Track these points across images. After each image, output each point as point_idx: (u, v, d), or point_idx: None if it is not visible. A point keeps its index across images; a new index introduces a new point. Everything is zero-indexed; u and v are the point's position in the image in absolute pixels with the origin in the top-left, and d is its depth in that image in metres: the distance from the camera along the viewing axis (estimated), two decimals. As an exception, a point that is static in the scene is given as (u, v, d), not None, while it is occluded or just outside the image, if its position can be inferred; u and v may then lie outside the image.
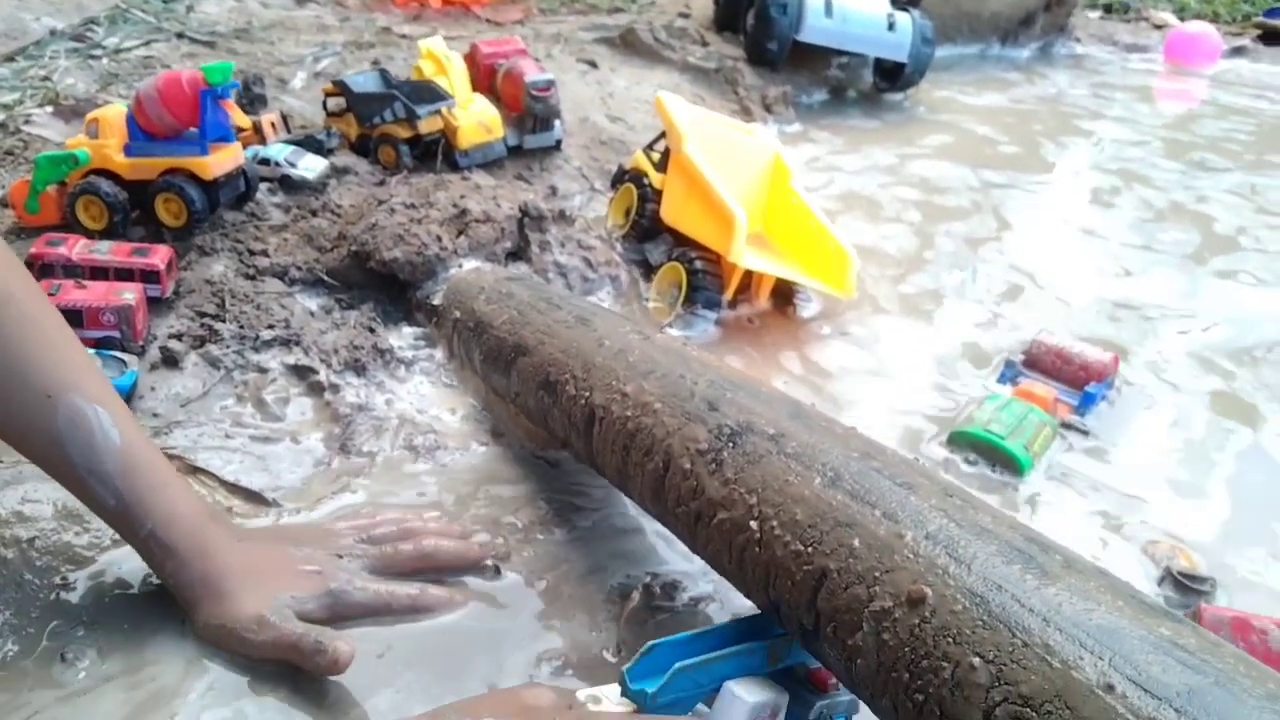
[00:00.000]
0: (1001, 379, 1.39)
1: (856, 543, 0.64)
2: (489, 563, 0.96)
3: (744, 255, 1.40)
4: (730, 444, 0.78)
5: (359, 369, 1.21)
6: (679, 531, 0.84)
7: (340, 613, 0.85)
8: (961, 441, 1.23)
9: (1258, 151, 2.50)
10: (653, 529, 1.06)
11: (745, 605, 0.95)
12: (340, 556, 0.90)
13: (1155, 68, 3.39)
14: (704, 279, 1.44)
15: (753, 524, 0.72)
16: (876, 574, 0.62)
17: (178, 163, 1.34)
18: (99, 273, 1.21)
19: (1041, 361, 1.39)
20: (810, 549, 0.67)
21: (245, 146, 1.55)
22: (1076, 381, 1.34)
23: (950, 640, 0.57)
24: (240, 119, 1.46)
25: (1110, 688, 0.51)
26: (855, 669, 0.62)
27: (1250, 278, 1.79)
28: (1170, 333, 1.56)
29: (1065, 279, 1.73)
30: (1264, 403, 1.37)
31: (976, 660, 0.55)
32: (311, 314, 1.30)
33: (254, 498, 1.03)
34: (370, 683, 0.82)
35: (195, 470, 1.04)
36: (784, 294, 1.53)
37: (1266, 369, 1.46)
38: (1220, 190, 2.21)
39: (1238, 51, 3.53)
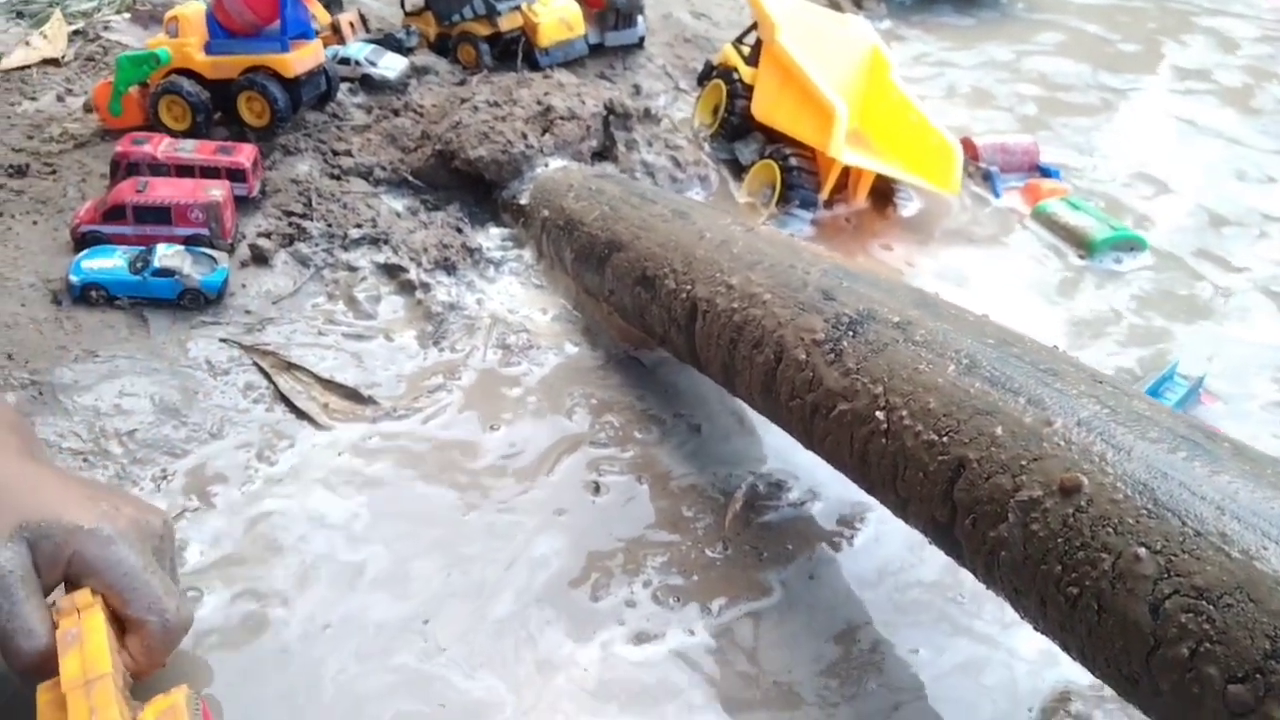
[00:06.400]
0: (996, 192, 1.49)
1: (999, 431, 0.60)
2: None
3: (844, 150, 1.33)
4: (850, 333, 0.73)
5: (449, 268, 1.18)
6: (791, 426, 0.80)
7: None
8: (1105, 248, 1.37)
9: (1394, 41, 2.31)
10: (753, 428, 1.02)
11: (851, 500, 0.92)
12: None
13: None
14: (800, 177, 1.37)
15: (879, 414, 0.67)
16: (1023, 463, 0.57)
17: (259, 60, 1.31)
18: (185, 171, 1.19)
19: (999, 161, 1.52)
20: (946, 439, 0.62)
21: (324, 46, 1.52)
22: (1023, 166, 1.52)
23: (1110, 530, 0.52)
24: (321, 15, 1.42)
25: (1300, 580, 0.46)
26: (998, 562, 0.58)
27: None
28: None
29: (1201, 185, 1.63)
30: None
31: (1142, 550, 0.51)
32: (398, 214, 1.27)
33: (350, 394, 1.02)
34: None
35: (290, 366, 1.03)
36: (883, 192, 1.46)
37: None
38: (1362, 87, 2.05)
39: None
